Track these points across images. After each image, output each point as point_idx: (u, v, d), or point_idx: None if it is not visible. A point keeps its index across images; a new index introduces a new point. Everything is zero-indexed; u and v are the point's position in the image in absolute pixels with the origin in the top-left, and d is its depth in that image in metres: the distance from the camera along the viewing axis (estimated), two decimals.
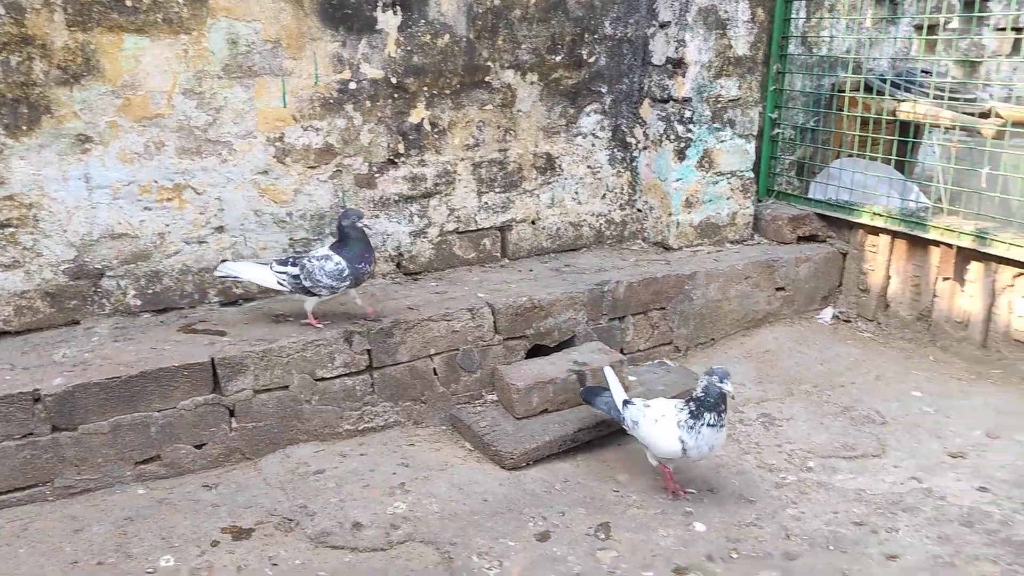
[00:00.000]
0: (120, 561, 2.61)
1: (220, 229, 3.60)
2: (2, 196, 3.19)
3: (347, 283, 3.30)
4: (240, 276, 3.41)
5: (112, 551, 2.66)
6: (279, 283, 3.32)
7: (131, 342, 3.25)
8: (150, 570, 2.58)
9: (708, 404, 2.87)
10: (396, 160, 3.90)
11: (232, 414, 3.18)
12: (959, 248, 4.00)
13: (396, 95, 3.83)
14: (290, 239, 3.75)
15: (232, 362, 3.13)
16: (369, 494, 3.00)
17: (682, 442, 2.90)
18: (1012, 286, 3.86)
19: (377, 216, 3.90)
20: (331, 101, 3.69)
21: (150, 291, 3.53)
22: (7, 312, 3.28)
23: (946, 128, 4.30)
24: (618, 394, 3.18)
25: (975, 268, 3.99)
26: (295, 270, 3.29)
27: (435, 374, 3.56)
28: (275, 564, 2.62)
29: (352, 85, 3.72)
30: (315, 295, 3.32)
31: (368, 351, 3.39)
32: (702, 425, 2.87)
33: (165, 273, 3.54)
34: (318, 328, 3.36)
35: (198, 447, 3.14)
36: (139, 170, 3.39)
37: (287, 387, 3.26)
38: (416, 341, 3.48)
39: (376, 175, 3.87)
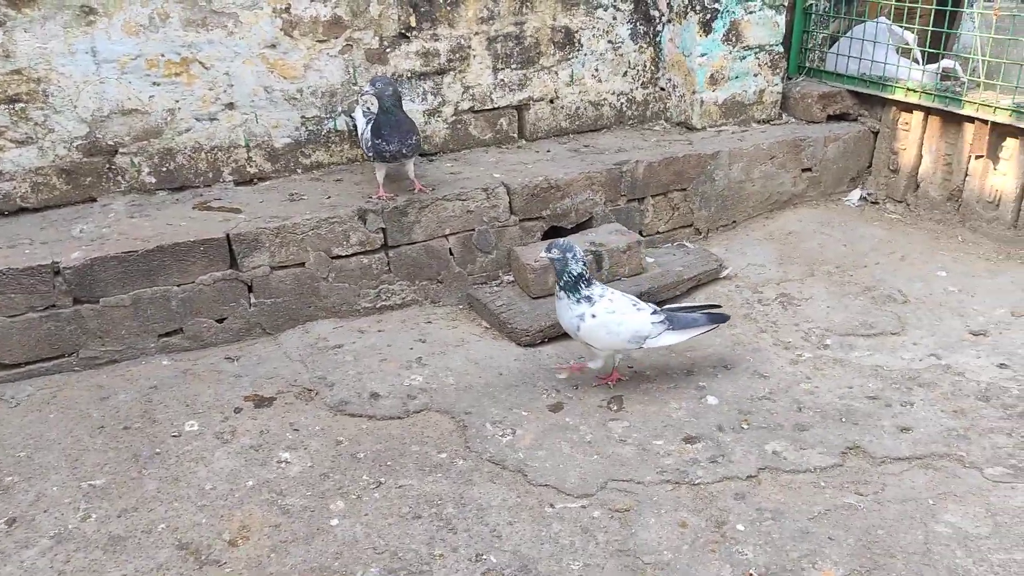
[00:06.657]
0: (146, 426, 2.70)
1: (230, 106, 3.54)
2: (9, 70, 3.14)
3: (371, 154, 3.32)
4: (355, 121, 3.70)
5: (138, 417, 2.75)
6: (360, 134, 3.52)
7: (147, 218, 3.26)
8: (175, 433, 2.67)
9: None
10: (408, 34, 3.76)
11: (250, 290, 3.21)
12: (994, 124, 3.82)
13: None
14: (302, 117, 3.68)
15: (247, 238, 3.14)
16: (387, 367, 3.05)
17: None
18: None
19: None
20: None
21: (164, 169, 3.51)
22: (24, 189, 3.29)
23: None
24: None
25: (1010, 145, 3.82)
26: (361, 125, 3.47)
27: (451, 254, 3.55)
28: (296, 429, 2.70)
29: None
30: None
31: (383, 229, 3.37)
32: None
33: (178, 151, 3.51)
34: (378, 198, 3.40)
35: (219, 321, 3.19)
36: (145, 43, 3.31)
37: (303, 264, 3.27)
38: (431, 221, 3.45)
39: (387, 50, 3.75)
